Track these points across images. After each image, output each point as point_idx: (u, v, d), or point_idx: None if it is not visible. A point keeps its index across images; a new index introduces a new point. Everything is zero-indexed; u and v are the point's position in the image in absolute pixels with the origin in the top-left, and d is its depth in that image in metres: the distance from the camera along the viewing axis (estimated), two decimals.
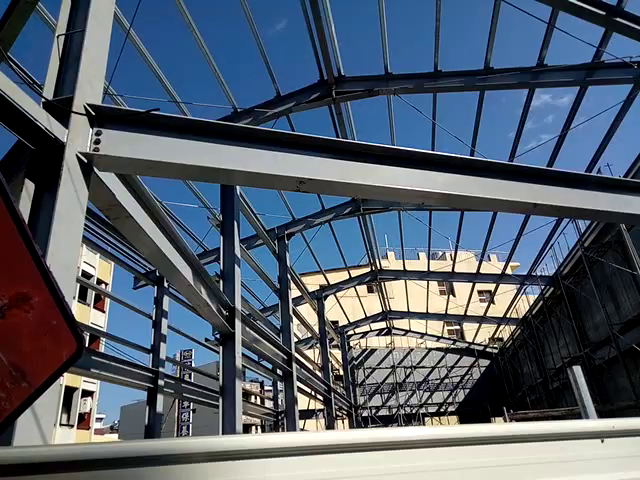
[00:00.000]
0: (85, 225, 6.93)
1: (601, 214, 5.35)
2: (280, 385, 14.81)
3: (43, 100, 3.24)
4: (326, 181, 4.08)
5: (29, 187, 2.95)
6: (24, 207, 2.85)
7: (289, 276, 13.20)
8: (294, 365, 11.26)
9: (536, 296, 21.98)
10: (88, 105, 3.37)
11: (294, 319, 14.69)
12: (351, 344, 29.05)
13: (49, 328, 1.22)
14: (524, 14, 6.93)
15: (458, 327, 34.69)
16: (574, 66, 8.63)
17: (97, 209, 4.10)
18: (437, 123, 10.90)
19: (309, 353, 21.96)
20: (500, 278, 20.54)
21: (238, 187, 8.62)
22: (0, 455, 1.18)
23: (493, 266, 22.06)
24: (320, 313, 19.36)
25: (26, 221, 2.71)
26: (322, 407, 19.22)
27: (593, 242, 14.70)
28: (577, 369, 2.69)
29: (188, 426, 30.52)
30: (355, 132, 11.44)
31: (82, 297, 28.66)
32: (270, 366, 13.28)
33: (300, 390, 14.25)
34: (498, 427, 1.85)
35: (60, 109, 3.18)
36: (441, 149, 4.77)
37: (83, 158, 3.24)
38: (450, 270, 20.73)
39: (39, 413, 2.46)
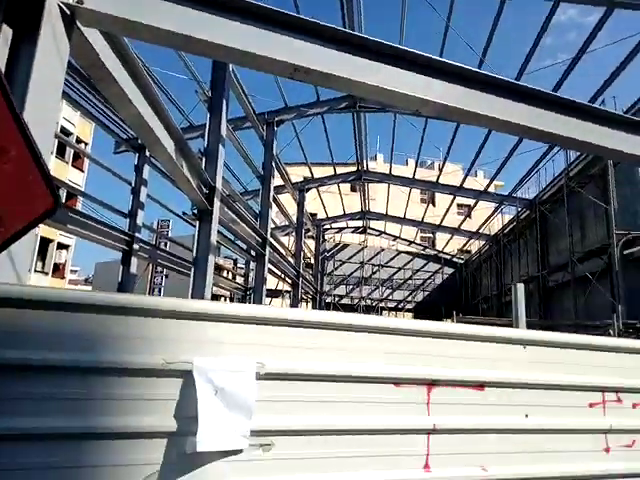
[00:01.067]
0: (66, 80, 6.57)
1: (591, 147, 5.34)
2: (252, 265, 15.49)
3: None
4: (322, 72, 3.92)
5: (6, 33, 2.77)
6: (1, 54, 2.71)
7: (274, 164, 13.11)
8: (267, 249, 11.70)
9: (511, 217, 22.62)
10: None
11: (273, 206, 14.91)
12: (326, 237, 29.97)
13: (26, 182, 1.28)
14: None
15: (431, 235, 35.85)
16: None
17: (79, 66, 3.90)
18: (450, 25, 10.18)
19: (284, 240, 22.63)
20: (481, 194, 20.83)
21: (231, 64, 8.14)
22: None
23: (477, 182, 22.23)
24: (300, 204, 19.61)
25: (3, 69, 2.61)
26: (289, 289, 20.36)
27: (578, 173, 14.84)
28: (520, 286, 2.93)
29: (160, 289, 31.92)
30: (363, 26, 10.60)
31: (60, 154, 28.00)
32: (245, 246, 13.74)
33: (270, 271, 14.97)
34: (445, 325, 2.10)
35: None
36: (450, 58, 4.56)
37: (65, 9, 3.02)
38: (435, 180, 20.84)
39: (15, 257, 2.61)
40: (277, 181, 15.40)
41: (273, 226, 18.27)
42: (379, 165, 29.04)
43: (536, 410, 2.04)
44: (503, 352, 2.09)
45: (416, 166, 20.82)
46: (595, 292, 12.99)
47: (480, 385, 1.97)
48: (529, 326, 2.54)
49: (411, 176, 21.21)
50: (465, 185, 20.49)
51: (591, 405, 2.16)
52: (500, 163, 17.49)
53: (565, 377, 2.15)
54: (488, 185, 20.80)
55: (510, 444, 1.98)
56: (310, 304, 25.63)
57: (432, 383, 1.88)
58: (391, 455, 1.71)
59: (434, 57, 4.61)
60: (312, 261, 27.61)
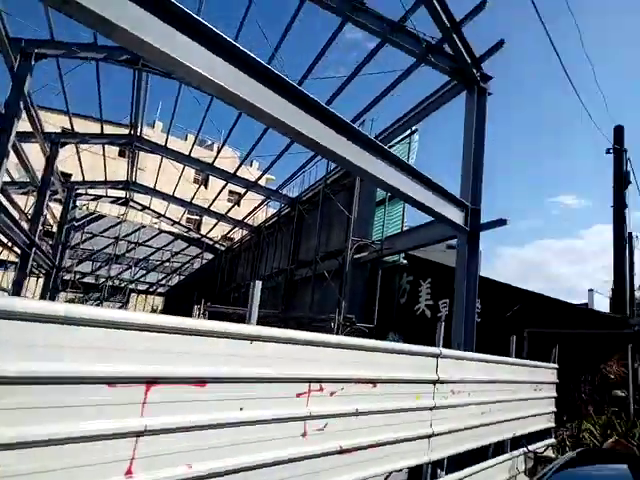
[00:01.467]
0: None
1: (345, 162, 6.07)
2: None
3: None
4: (99, 15, 3.43)
5: None
6: None
7: (22, 104, 10.82)
8: None
9: (275, 211, 24.24)
10: None
11: (12, 155, 12.28)
12: (78, 204, 26.39)
13: None
14: None
15: (198, 218, 35.54)
16: (384, 17, 9.11)
17: None
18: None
19: (21, 199, 18.94)
20: (252, 186, 21.63)
21: None
22: None
23: (250, 172, 23.00)
24: (51, 160, 16.73)
25: None
26: (17, 260, 17.14)
27: (334, 181, 16.91)
28: (258, 283, 3.10)
29: None
30: None
31: None
32: None
33: None
34: (173, 320, 2.01)
35: None
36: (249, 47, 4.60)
37: None
38: (211, 162, 20.67)
39: None
40: (25, 126, 12.78)
41: (8, 179, 15.10)
42: (156, 134, 27.22)
43: (251, 403, 2.18)
44: (230, 348, 2.16)
45: (194, 144, 20.22)
46: (329, 289, 15.05)
47: (202, 382, 1.99)
48: (266, 318, 2.69)
49: (188, 153, 20.50)
50: (239, 173, 20.95)
51: (298, 395, 2.44)
52: (274, 158, 18.52)
53: (284, 370, 2.36)
54: (259, 178, 21.78)
55: (223, 437, 2.06)
56: (42, 280, 22.17)
57: (151, 382, 1.80)
58: (84, 465, 1.55)
59: (225, 36, 4.55)
60: (55, 229, 23.92)
